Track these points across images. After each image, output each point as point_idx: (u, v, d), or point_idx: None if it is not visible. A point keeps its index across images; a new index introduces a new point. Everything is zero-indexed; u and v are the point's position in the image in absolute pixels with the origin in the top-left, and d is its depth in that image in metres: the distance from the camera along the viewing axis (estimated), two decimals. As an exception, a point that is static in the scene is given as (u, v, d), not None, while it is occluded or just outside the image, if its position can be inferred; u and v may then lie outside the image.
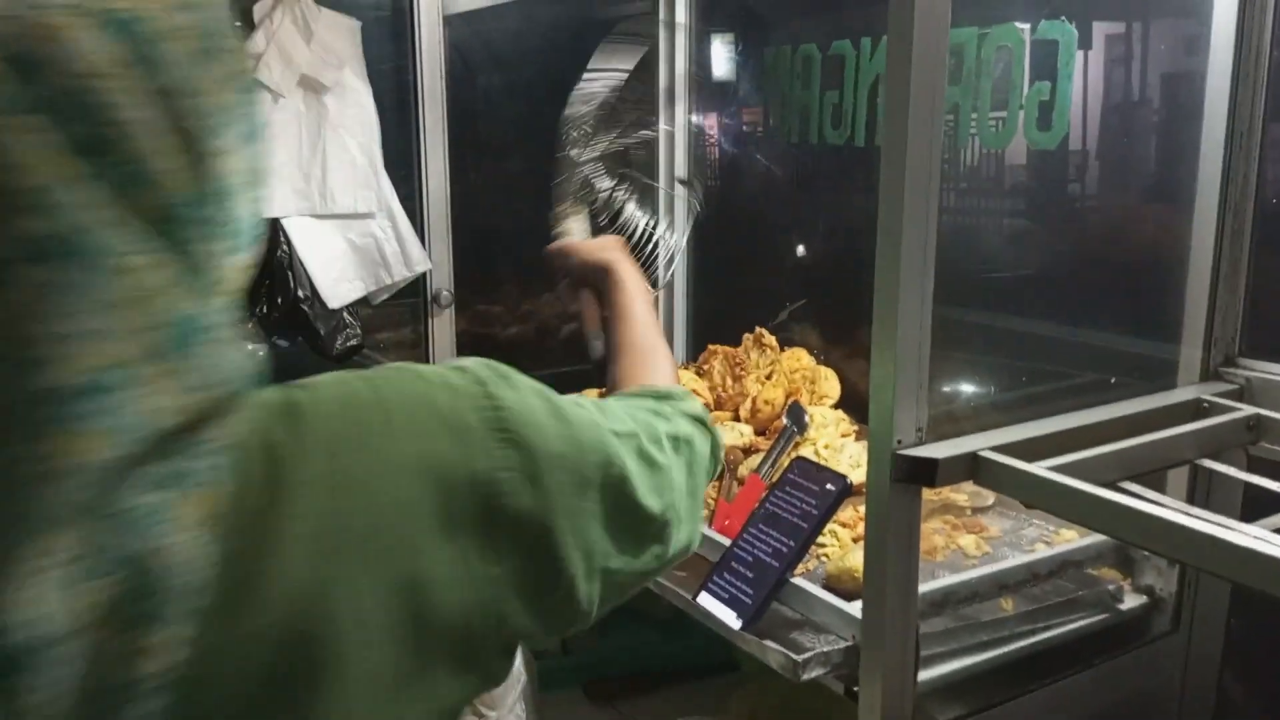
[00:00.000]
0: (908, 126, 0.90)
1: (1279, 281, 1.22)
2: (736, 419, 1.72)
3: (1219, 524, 0.79)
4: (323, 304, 1.59)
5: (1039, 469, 0.92)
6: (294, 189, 1.57)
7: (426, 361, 1.86)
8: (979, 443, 0.98)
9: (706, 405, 1.75)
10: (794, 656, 1.06)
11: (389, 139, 1.72)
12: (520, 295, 2.21)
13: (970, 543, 1.30)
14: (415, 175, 1.78)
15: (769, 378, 1.76)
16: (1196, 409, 1.12)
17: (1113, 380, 1.17)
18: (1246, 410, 1.10)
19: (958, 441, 0.98)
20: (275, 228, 1.57)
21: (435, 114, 1.79)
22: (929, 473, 0.95)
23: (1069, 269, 1.36)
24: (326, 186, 1.59)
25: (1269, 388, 1.15)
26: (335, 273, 1.60)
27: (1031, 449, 0.98)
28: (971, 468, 0.97)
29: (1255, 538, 0.75)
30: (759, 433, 1.68)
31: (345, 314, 1.63)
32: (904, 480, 0.96)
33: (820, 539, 1.32)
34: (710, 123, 2.14)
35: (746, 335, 1.85)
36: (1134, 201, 1.36)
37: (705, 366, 1.83)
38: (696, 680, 1.65)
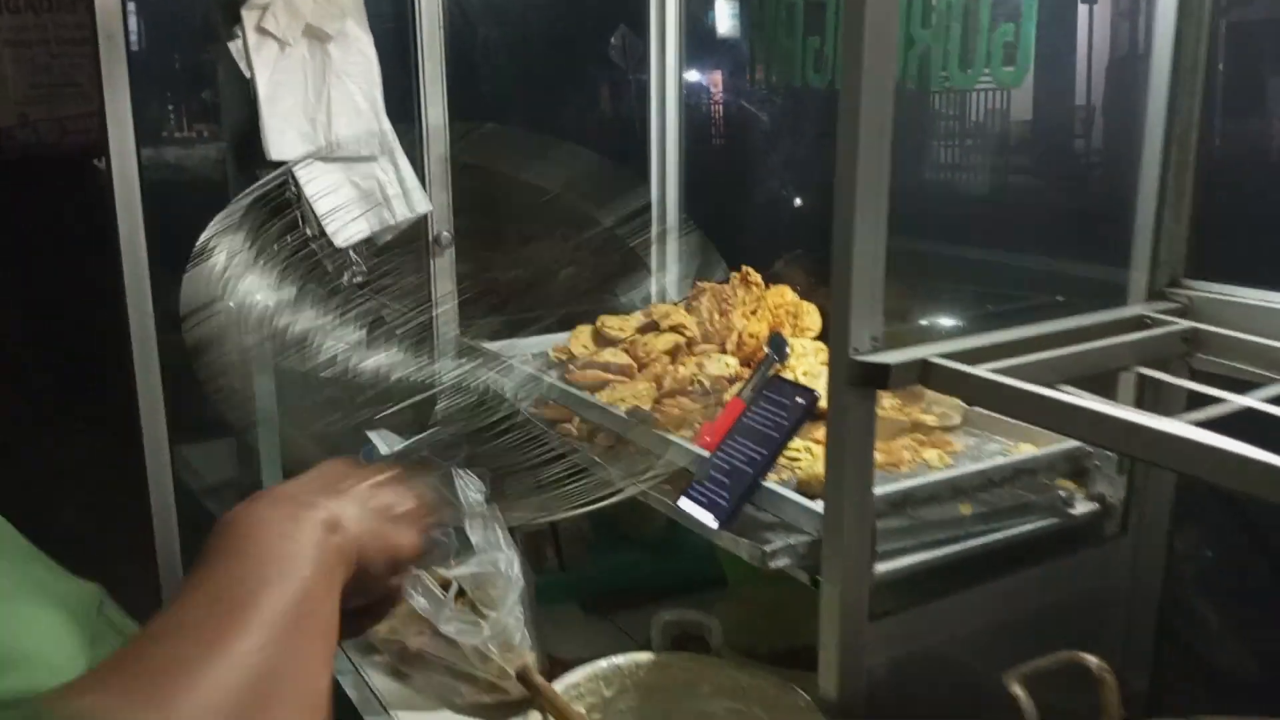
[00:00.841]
0: (863, 56, 0.98)
1: (1222, 207, 1.30)
2: (723, 351, 1.81)
3: (1145, 415, 0.87)
4: (330, 242, 1.68)
5: (981, 370, 1.01)
6: (300, 134, 1.66)
7: (428, 298, 1.96)
8: (930, 351, 1.08)
9: (693, 339, 1.84)
10: (763, 548, 1.16)
11: (390, 86, 1.80)
12: (520, 240, 2.30)
13: (934, 456, 1.40)
14: (415, 121, 1.87)
15: (754, 313, 1.85)
16: (1139, 324, 1.21)
17: (1060, 299, 1.26)
18: (1184, 324, 1.19)
19: (909, 350, 1.07)
20: (285, 172, 1.66)
21: (434, 61, 1.87)
22: (882, 376, 1.04)
23: (1028, 199, 1.44)
24: (331, 131, 1.67)
25: (1210, 305, 1.23)
26: (341, 213, 1.69)
27: (979, 356, 1.07)
28: (922, 373, 1.06)
29: (1173, 423, 0.84)
30: (744, 364, 1.78)
31: (351, 252, 1.72)
32: (859, 384, 1.05)
33: (795, 453, 1.42)
34: (703, 75, 2.22)
35: (734, 273, 1.93)
36: (1088, 134, 1.44)
37: (694, 302, 1.92)
38: (686, 594, 1.76)
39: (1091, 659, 1.09)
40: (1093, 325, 1.19)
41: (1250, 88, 1.36)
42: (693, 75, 2.21)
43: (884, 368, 1.04)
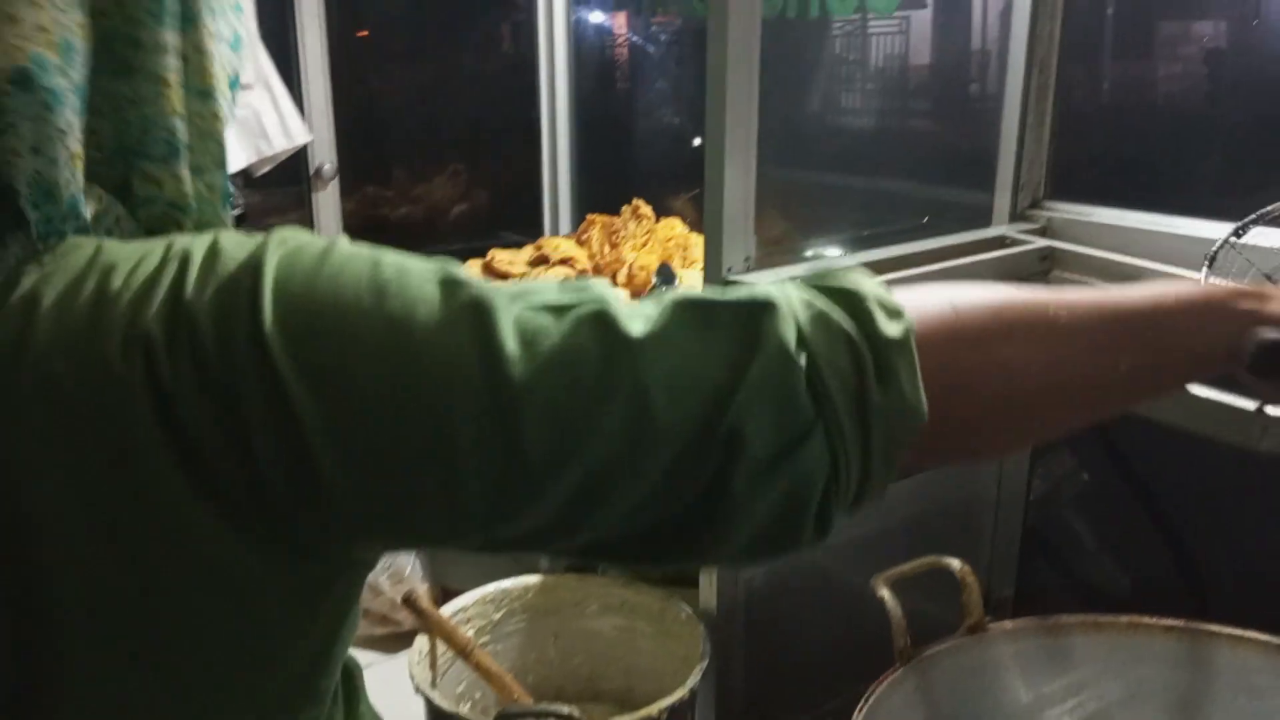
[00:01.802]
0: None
1: (1079, 130, 1.36)
2: (614, 284, 1.83)
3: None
4: (203, 174, 1.63)
5: (845, 287, 1.04)
6: (168, 60, 1.59)
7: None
8: (801, 269, 1.10)
9: (584, 272, 1.85)
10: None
11: (263, 11, 1.74)
12: (410, 178, 2.27)
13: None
14: (292, 49, 1.81)
15: (644, 245, 1.87)
16: (1000, 242, 1.26)
17: (926, 220, 1.30)
18: (1042, 242, 1.24)
19: (779, 270, 1.10)
20: (152, 99, 1.59)
21: (309, -14, 1.82)
22: (752, 294, 1.06)
23: (903, 130, 1.48)
24: (201, 57, 1.61)
25: (1067, 225, 1.29)
26: (215, 143, 1.64)
27: (846, 274, 1.10)
28: (791, 290, 1.09)
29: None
30: (634, 296, 1.79)
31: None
32: (731, 302, 1.07)
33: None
34: (594, 7, 2.20)
35: (625, 206, 1.94)
36: (960, 62, 1.48)
37: (585, 236, 1.93)
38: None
39: (954, 561, 1.14)
40: (957, 244, 1.23)
41: (1105, 16, 1.41)
42: (585, 12, 2.19)
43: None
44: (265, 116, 1.68)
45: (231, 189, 1.49)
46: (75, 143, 0.49)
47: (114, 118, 0.53)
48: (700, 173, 2.04)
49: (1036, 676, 1.16)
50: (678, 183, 2.10)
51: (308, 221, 1.94)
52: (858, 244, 1.22)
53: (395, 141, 2.23)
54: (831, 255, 1.25)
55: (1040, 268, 1.23)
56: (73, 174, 0.49)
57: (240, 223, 1.74)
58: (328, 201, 1.91)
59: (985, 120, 1.38)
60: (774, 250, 1.11)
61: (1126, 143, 1.38)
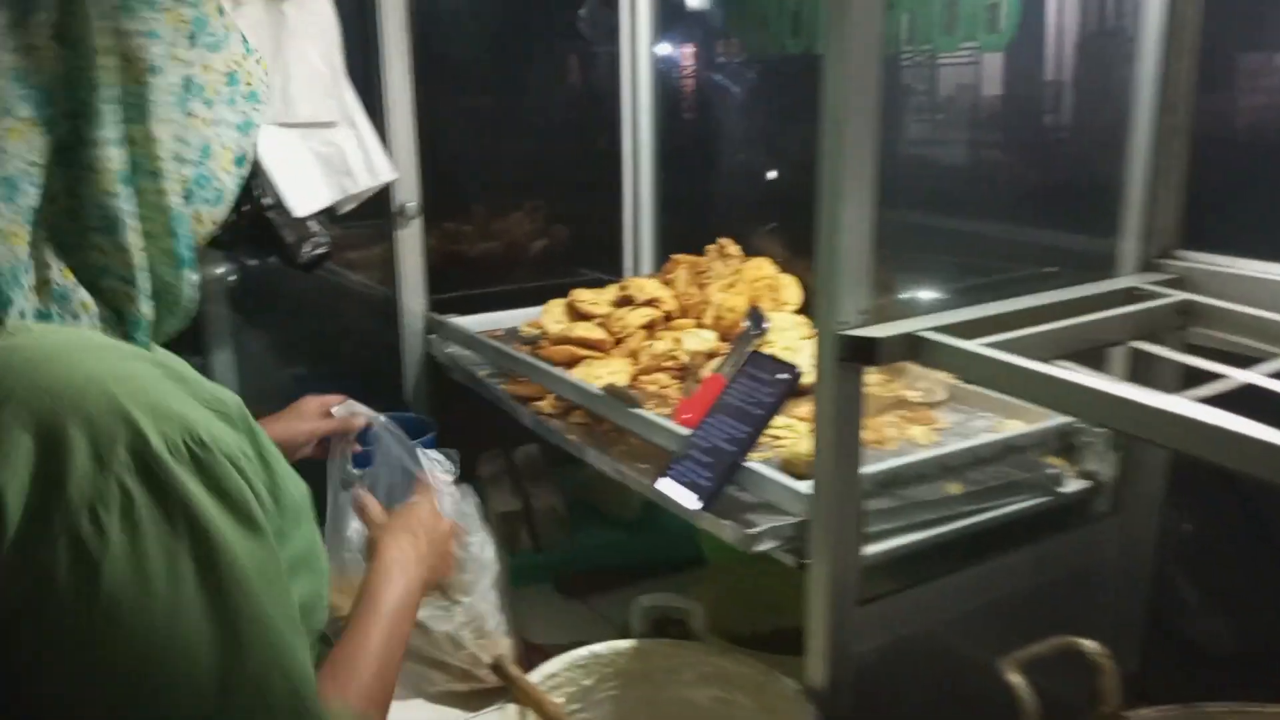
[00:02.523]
0: (849, 15, 0.93)
1: (1216, 174, 1.26)
2: (700, 326, 1.76)
3: (1149, 393, 0.83)
4: (288, 213, 1.60)
5: (973, 345, 0.97)
6: (256, 98, 1.57)
7: (393, 271, 1.88)
8: (918, 324, 1.03)
9: (670, 313, 1.78)
10: (746, 530, 1.11)
11: (351, 50, 1.71)
12: (489, 214, 2.23)
13: (920, 433, 1.36)
14: (376, 87, 1.79)
15: (732, 286, 1.80)
16: (1130, 296, 1.17)
17: (1052, 270, 1.22)
18: (1178, 296, 1.15)
19: (898, 324, 1.03)
20: (239, 137, 1.58)
21: (397, 25, 1.79)
22: (869, 351, 0.99)
23: (1014, 169, 1.40)
24: (288, 94, 1.59)
25: (1203, 277, 1.20)
26: (300, 180, 1.60)
27: (969, 330, 1.02)
28: (911, 347, 1.01)
29: (1179, 402, 0.80)
30: (722, 339, 1.73)
31: (311, 223, 1.64)
32: (847, 359, 1.00)
33: (778, 431, 1.37)
34: (676, 45, 2.15)
35: (710, 245, 1.88)
36: (1077, 100, 1.40)
37: (670, 275, 1.87)
38: (664, 575, 1.72)
39: (1089, 644, 1.05)
40: (1084, 298, 1.15)
41: (1244, 54, 1.32)
42: (665, 46, 2.14)
43: (871, 342, 0.99)
44: (350, 154, 1.65)
45: (316, 227, 1.43)
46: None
47: (67, 201, 0.69)
48: (779, 207, 1.98)
49: (1178, 771, 1.06)
50: (761, 220, 2.03)
51: (389, 257, 1.91)
52: (969, 295, 1.14)
53: (474, 177, 2.20)
54: (944, 308, 1.17)
55: (1176, 323, 1.14)
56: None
57: (323, 261, 1.71)
58: (410, 238, 1.88)
59: (1104, 162, 1.29)
60: (883, 302, 1.04)
61: (1265, 186, 1.28)
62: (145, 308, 0.75)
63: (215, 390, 0.73)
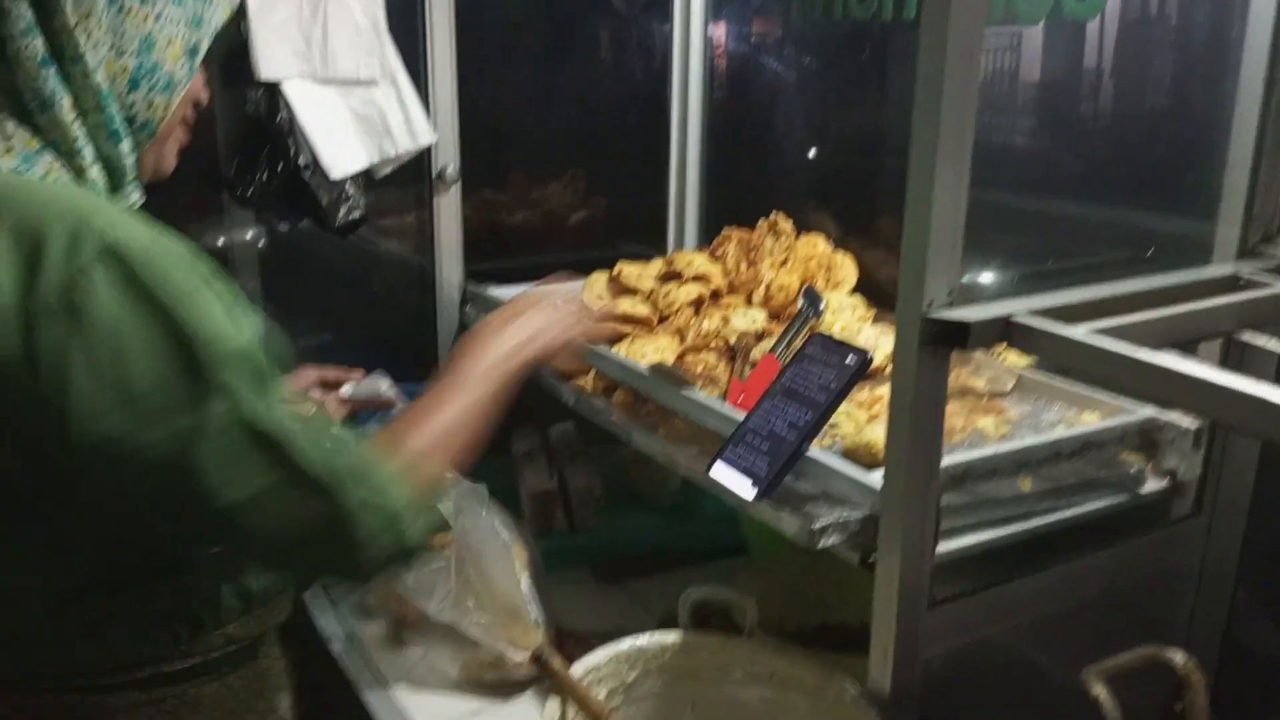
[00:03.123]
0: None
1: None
2: (750, 304, 1.68)
3: (1264, 387, 0.75)
4: (324, 173, 1.53)
5: (1078, 331, 0.89)
6: (294, 51, 1.50)
7: (430, 239, 1.81)
8: (1012, 307, 0.95)
9: (718, 290, 1.71)
10: (811, 525, 1.04)
11: (393, 6, 1.64)
12: (529, 183, 2.16)
13: (990, 424, 1.28)
14: (420, 45, 1.71)
15: (784, 263, 1.72)
16: (1233, 284, 1.08)
17: (1148, 254, 1.13)
18: (1287, 284, 1.06)
19: (990, 305, 0.94)
20: (274, 92, 1.50)
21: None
22: (960, 335, 0.91)
23: (1105, 146, 1.30)
24: (328, 49, 1.52)
25: (1310, 265, 1.11)
26: (337, 141, 1.54)
27: (1065, 315, 0.94)
28: (1004, 331, 0.93)
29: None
30: (773, 318, 1.65)
31: (348, 185, 1.57)
32: (933, 344, 0.92)
33: (835, 419, 1.29)
34: (730, 16, 2.06)
35: (762, 220, 1.79)
36: (1176, 74, 1.30)
37: (719, 251, 1.78)
38: (704, 563, 1.65)
39: (1178, 656, 0.97)
40: (1184, 284, 1.06)
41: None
42: (719, 14, 2.05)
43: (963, 326, 0.91)
44: (390, 115, 1.58)
45: (352, 190, 1.42)
46: None
47: (10, 86, 0.84)
48: (832, 184, 1.90)
49: (1271, 796, 0.98)
50: (813, 196, 1.95)
51: (426, 225, 1.84)
52: (1061, 279, 1.05)
53: (514, 144, 2.12)
54: (1029, 292, 1.09)
55: (1285, 313, 1.06)
56: None
57: (358, 226, 1.64)
58: (449, 205, 1.80)
59: (1204, 140, 1.20)
60: (971, 284, 0.96)
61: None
62: (95, 173, 0.88)
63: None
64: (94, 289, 0.74)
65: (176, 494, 0.79)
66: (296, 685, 1.11)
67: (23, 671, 0.91)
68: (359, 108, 1.57)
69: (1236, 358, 1.15)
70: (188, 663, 0.95)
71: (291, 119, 1.51)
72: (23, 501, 0.83)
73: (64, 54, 0.84)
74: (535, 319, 1.16)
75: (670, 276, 1.72)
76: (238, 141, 1.58)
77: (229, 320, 0.79)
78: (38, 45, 0.83)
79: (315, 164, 1.53)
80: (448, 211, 1.81)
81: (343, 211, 1.56)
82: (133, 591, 0.91)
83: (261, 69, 1.49)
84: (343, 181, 1.57)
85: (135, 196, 0.94)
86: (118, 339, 0.74)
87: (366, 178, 1.66)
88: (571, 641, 1.46)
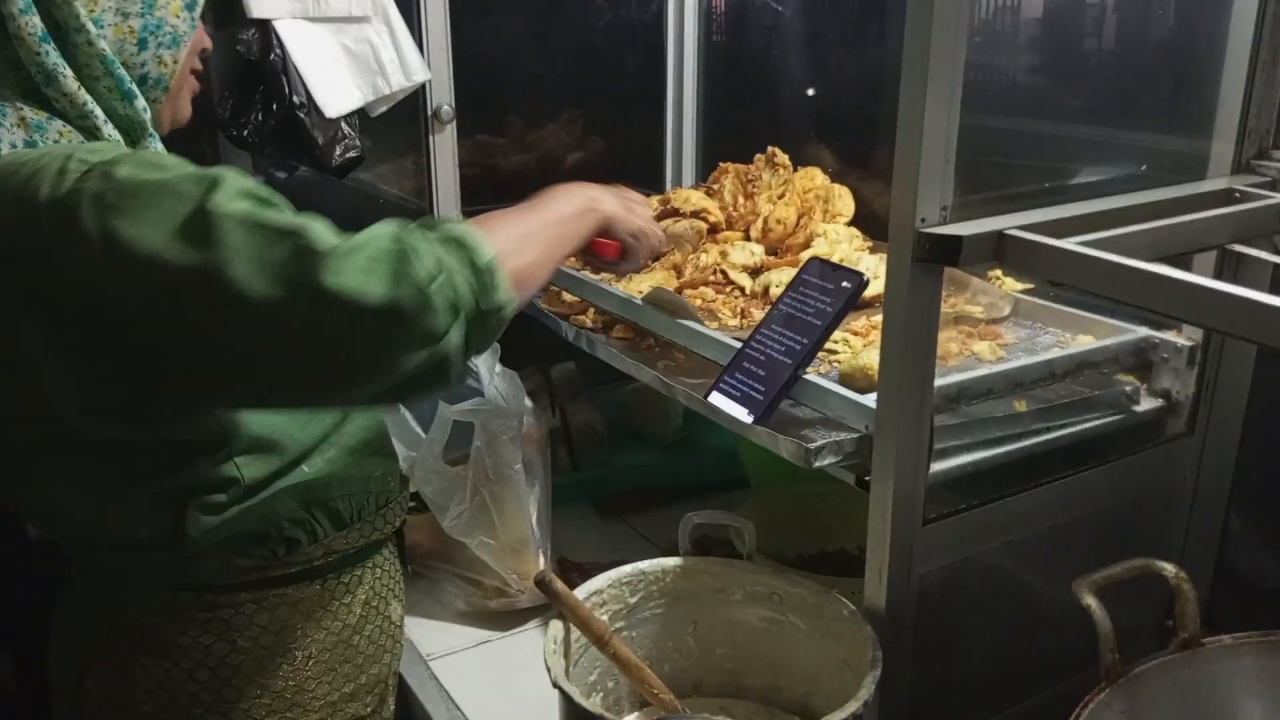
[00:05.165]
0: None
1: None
2: (747, 238, 1.68)
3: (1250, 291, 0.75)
4: (319, 112, 1.53)
5: (1069, 244, 0.89)
6: (284, -11, 1.49)
7: (427, 180, 1.81)
8: (1005, 223, 0.95)
9: (716, 225, 1.70)
10: (806, 444, 1.05)
11: (383, -59, 1.62)
12: (525, 125, 2.14)
13: (985, 348, 1.28)
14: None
15: (781, 197, 1.71)
16: (1228, 198, 1.08)
17: (1142, 168, 1.13)
18: (1279, 197, 1.06)
19: (982, 222, 0.95)
20: (266, 30, 1.49)
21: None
22: (953, 250, 0.92)
23: (1099, 65, 1.29)
24: (318, -14, 1.51)
25: (1304, 180, 1.11)
26: (331, 79, 1.53)
27: (1059, 229, 0.94)
28: (997, 247, 0.94)
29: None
30: (769, 252, 1.65)
31: (343, 124, 1.57)
32: (926, 259, 0.93)
33: (833, 344, 1.30)
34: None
35: (759, 154, 1.79)
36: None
37: (716, 185, 1.78)
38: (706, 496, 1.67)
39: (1168, 567, 0.99)
40: (1178, 199, 1.07)
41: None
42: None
43: (955, 240, 0.91)
44: (383, 52, 1.57)
45: (348, 129, 1.42)
46: None
47: (16, 63, 0.88)
48: (833, 119, 1.89)
49: (1260, 699, 1.00)
50: (809, 130, 1.94)
51: (424, 166, 1.83)
52: (1057, 195, 1.05)
53: (510, 87, 2.10)
54: (1033, 208, 1.09)
55: (1278, 227, 1.06)
56: None
57: (355, 166, 1.64)
58: (444, 145, 1.79)
59: (1200, 57, 1.19)
60: (972, 199, 0.96)
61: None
62: (109, 131, 0.91)
63: None
64: (82, 198, 0.76)
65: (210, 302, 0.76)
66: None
67: (147, 578, 0.97)
68: (352, 45, 1.56)
69: (1232, 270, 1.15)
70: (290, 569, 1.00)
71: (284, 58, 1.51)
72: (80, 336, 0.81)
73: (65, 26, 0.87)
74: (614, 196, 1.20)
75: (667, 214, 1.72)
76: (231, 83, 1.57)
77: (227, 174, 0.80)
78: (36, 22, 0.85)
79: (310, 103, 1.53)
80: (444, 151, 1.79)
81: (339, 151, 1.55)
82: (203, 483, 0.93)
83: (253, 7, 1.48)
84: (338, 120, 1.57)
85: (157, 149, 0.96)
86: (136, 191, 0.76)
87: (362, 118, 1.65)
88: (576, 572, 1.49)
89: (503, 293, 0.86)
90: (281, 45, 1.50)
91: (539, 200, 1.07)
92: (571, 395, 1.84)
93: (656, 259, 1.55)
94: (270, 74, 1.49)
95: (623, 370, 1.41)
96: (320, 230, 0.78)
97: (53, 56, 0.86)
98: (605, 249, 1.21)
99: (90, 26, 0.87)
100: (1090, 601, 0.95)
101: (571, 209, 1.08)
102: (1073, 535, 1.16)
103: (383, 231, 0.81)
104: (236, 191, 0.78)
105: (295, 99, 1.51)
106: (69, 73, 0.87)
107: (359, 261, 0.77)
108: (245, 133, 1.51)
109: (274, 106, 1.50)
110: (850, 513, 1.42)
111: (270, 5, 1.48)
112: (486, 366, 1.48)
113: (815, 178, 1.71)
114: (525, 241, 0.97)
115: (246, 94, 1.51)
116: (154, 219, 0.75)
